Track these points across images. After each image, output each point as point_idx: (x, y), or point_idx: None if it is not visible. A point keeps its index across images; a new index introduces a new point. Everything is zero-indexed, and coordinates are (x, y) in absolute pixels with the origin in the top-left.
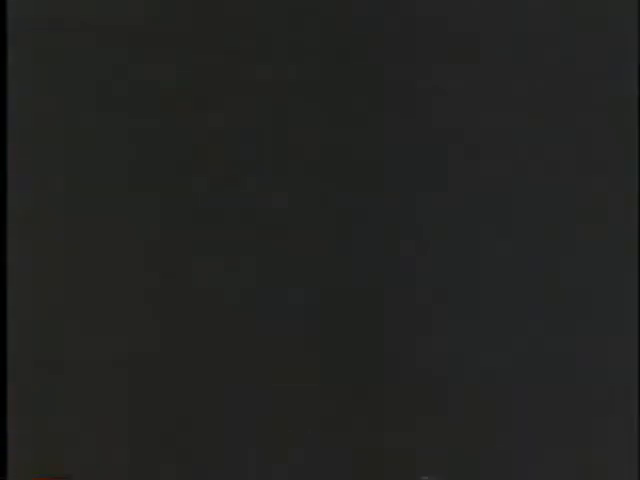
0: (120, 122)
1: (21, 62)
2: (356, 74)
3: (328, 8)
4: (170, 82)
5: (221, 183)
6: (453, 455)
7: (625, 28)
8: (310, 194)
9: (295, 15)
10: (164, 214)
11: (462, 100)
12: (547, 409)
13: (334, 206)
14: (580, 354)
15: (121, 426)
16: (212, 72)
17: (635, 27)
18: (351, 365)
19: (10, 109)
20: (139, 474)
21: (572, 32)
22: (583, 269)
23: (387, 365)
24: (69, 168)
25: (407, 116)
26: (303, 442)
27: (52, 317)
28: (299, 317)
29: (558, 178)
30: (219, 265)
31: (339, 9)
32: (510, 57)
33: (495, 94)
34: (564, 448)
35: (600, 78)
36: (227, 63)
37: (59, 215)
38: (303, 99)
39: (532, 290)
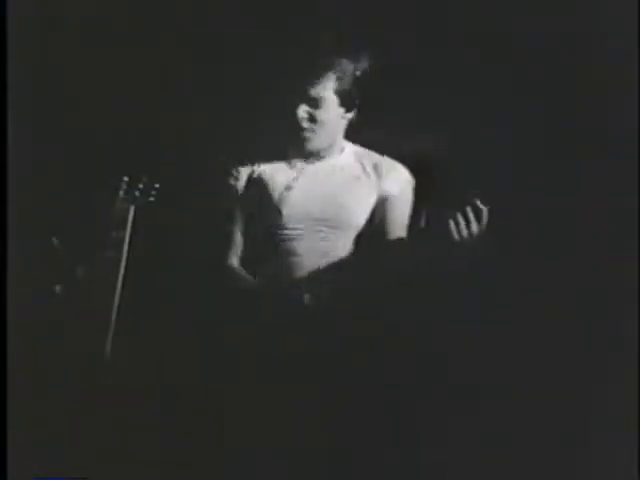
0: None
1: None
2: None
3: None
4: None
5: None
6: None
7: (625, 28)
8: None
9: None
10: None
11: (461, 99)
12: (546, 411)
13: None
14: (579, 354)
15: (121, 426)
16: None
17: (635, 27)
18: None
19: (10, 109)
20: (139, 474)
21: (572, 32)
22: (583, 269)
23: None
24: (68, 167)
25: None
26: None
27: (52, 317)
28: None
29: (558, 178)
30: None
31: None
32: (510, 57)
33: (494, 93)
34: (564, 448)
35: (600, 77)
36: None
37: (58, 211)
38: None
39: (531, 290)
